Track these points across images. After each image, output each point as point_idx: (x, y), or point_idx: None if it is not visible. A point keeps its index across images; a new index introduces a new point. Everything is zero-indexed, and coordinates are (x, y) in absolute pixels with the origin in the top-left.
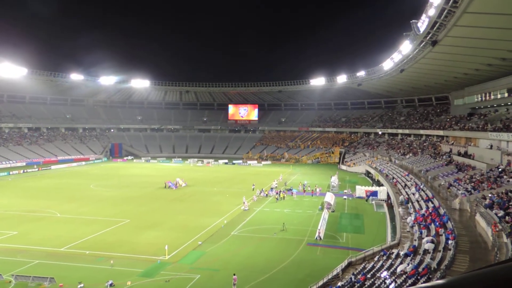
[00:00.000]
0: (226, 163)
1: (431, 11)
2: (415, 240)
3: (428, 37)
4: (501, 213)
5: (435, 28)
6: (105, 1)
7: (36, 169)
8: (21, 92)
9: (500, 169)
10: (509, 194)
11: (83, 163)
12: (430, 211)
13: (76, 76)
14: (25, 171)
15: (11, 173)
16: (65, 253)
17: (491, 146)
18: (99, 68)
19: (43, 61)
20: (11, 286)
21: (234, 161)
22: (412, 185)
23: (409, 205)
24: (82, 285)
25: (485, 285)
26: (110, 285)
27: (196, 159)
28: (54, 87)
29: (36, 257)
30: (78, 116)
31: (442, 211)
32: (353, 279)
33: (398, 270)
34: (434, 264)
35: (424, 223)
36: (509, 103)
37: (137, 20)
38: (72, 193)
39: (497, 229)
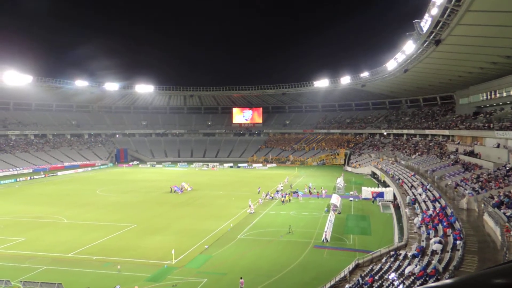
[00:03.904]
0: (231, 167)
1: (434, 10)
2: (423, 241)
3: (431, 37)
4: (509, 212)
5: (438, 27)
6: (109, 8)
7: (43, 176)
8: (27, 99)
9: (507, 168)
10: None
11: (89, 168)
12: (438, 211)
13: (80, 83)
14: (32, 177)
15: (18, 180)
16: (72, 258)
17: (498, 144)
18: (103, 74)
19: (48, 68)
20: None
21: (239, 165)
22: (418, 185)
23: (416, 205)
24: None
25: (493, 284)
26: None
27: (201, 163)
28: (59, 94)
29: (44, 263)
30: (83, 122)
31: (449, 211)
32: (360, 281)
33: (406, 271)
34: (440, 267)
35: (431, 224)
36: None
37: (140, 26)
38: (78, 199)
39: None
